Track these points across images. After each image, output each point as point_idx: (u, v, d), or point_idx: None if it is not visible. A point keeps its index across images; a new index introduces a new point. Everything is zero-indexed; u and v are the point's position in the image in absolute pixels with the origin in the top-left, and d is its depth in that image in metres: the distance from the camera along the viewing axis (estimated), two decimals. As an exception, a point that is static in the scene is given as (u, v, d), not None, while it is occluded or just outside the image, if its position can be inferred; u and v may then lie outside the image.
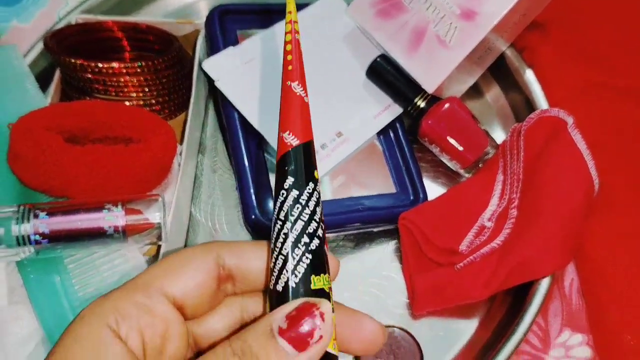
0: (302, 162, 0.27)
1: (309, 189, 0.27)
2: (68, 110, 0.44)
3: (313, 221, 0.26)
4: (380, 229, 0.51)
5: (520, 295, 0.46)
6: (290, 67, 0.30)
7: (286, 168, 0.27)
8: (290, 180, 0.27)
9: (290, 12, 0.31)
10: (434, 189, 0.53)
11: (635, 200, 0.47)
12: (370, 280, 0.49)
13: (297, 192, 0.27)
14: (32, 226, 0.40)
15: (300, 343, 0.22)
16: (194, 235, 0.51)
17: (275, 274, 0.26)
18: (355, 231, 0.50)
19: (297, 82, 0.29)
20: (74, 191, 0.42)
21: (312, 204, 0.27)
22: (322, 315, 0.23)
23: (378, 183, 0.51)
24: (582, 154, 0.45)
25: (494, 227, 0.47)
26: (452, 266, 0.46)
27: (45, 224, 0.40)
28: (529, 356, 0.46)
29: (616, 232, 0.46)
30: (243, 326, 0.26)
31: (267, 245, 0.28)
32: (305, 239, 0.26)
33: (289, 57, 0.30)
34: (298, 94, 0.28)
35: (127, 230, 0.41)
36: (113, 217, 0.41)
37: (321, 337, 0.23)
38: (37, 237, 0.40)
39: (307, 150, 0.28)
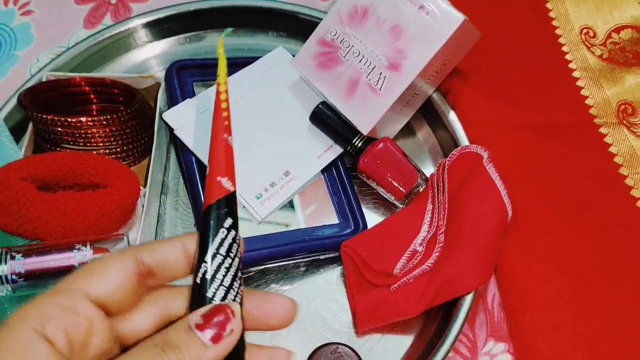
0: (235, 207, 0.32)
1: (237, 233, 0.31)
2: (41, 161, 0.49)
3: (239, 259, 0.31)
4: (326, 256, 0.57)
5: (448, 310, 0.52)
6: (226, 123, 0.34)
7: (226, 210, 0.31)
8: (229, 221, 0.31)
9: (219, 76, 0.34)
10: (373, 218, 0.59)
11: (544, 223, 0.54)
12: (319, 302, 0.55)
13: (234, 233, 0.31)
14: (9, 267, 0.46)
15: (215, 336, 0.27)
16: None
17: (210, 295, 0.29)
18: (304, 259, 0.56)
19: (231, 137, 0.34)
20: (47, 234, 0.48)
21: (235, 247, 0.31)
22: (232, 313, 0.28)
23: (323, 215, 0.57)
24: (496, 184, 0.52)
25: (424, 252, 0.53)
26: (388, 287, 0.52)
27: (21, 264, 0.45)
28: (459, 365, 0.52)
29: (529, 251, 0.53)
30: (167, 326, 0.29)
31: (179, 239, 0.31)
32: (239, 273, 0.31)
33: (225, 114, 0.34)
34: (231, 146, 0.34)
35: None
36: (82, 256, 0.46)
37: (232, 330, 0.28)
38: (14, 277, 0.45)
39: (236, 198, 0.32)
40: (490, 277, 0.52)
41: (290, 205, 0.57)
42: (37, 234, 0.48)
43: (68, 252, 0.47)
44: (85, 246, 0.47)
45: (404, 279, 0.52)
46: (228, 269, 0.30)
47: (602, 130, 0.59)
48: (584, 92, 0.62)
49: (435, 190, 0.55)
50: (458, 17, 0.52)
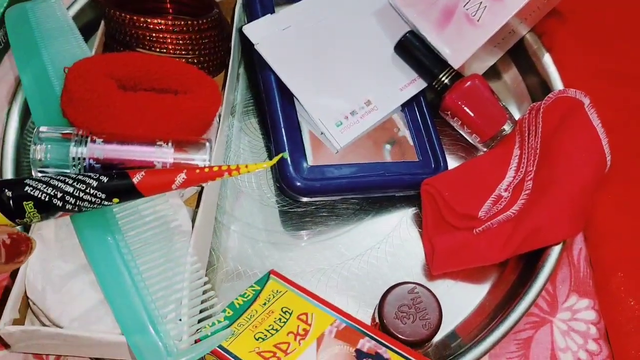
0: None
1: None
2: (120, 60, 0.46)
3: None
4: (402, 194, 0.54)
5: (531, 262, 0.49)
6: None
7: None
8: None
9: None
10: (453, 161, 0.56)
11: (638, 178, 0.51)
12: (391, 242, 0.52)
13: None
14: (89, 150, 0.43)
15: None
16: (224, 189, 0.53)
17: None
18: (380, 194, 0.53)
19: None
20: (126, 133, 0.45)
21: None
22: None
23: (402, 151, 0.54)
24: (598, 132, 0.49)
25: (510, 197, 0.50)
26: (471, 231, 0.49)
27: (101, 149, 0.42)
28: (537, 318, 0.49)
29: (622, 205, 0.50)
30: None
31: None
32: None
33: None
34: None
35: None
36: (163, 154, 0.44)
37: None
38: (92, 162, 0.43)
39: None
40: (582, 228, 0.49)
41: (369, 136, 0.54)
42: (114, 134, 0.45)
43: (149, 146, 0.44)
44: (167, 144, 0.44)
45: (488, 223, 0.49)
46: None
47: None
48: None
49: (526, 135, 0.52)
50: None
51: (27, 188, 0.39)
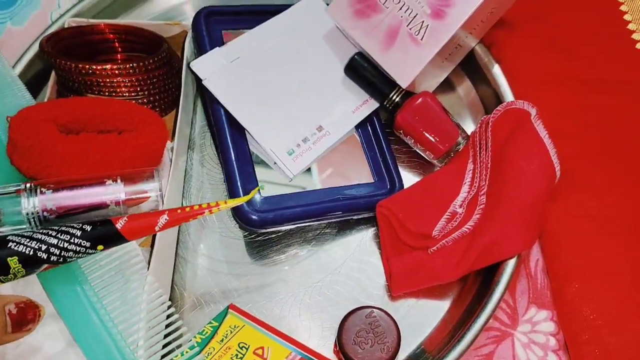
0: None
1: None
2: (65, 105, 0.47)
3: None
4: (360, 216, 0.54)
5: (489, 276, 0.50)
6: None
7: None
8: None
9: None
10: (410, 178, 0.56)
11: (594, 184, 0.51)
12: (351, 265, 0.53)
13: None
14: (40, 202, 0.43)
15: None
16: (185, 226, 0.54)
17: None
18: (337, 219, 0.53)
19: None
20: (71, 178, 0.45)
21: None
22: None
23: (357, 173, 0.54)
24: (544, 142, 0.49)
25: (464, 213, 0.51)
26: (426, 250, 0.50)
27: (51, 199, 0.42)
28: (499, 332, 0.49)
29: (578, 213, 0.50)
30: None
31: None
32: None
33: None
34: None
35: (127, 202, 0.45)
36: (113, 191, 0.44)
37: None
38: (45, 214, 0.43)
39: None
40: (535, 241, 0.49)
41: (323, 162, 0.54)
42: (60, 178, 0.46)
43: (99, 186, 0.44)
44: (116, 181, 0.45)
45: (443, 241, 0.49)
46: None
47: (659, 87, 0.55)
48: (639, 46, 0.57)
49: (477, 149, 0.52)
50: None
51: (10, 244, 0.40)
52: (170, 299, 0.51)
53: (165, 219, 0.41)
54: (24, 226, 0.44)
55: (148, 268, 0.46)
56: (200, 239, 0.54)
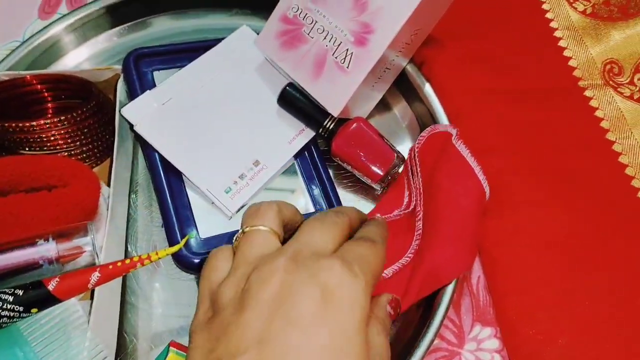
0: None
1: None
2: (-9, 167, 0.47)
3: None
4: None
5: (431, 296, 0.50)
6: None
7: None
8: None
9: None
10: (352, 203, 0.56)
11: (528, 197, 0.51)
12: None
13: None
14: None
15: None
16: (132, 272, 0.54)
17: None
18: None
19: None
20: (2, 240, 0.45)
21: None
22: None
23: (296, 204, 0.54)
24: (468, 161, 0.49)
25: (405, 242, 0.51)
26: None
27: None
28: (447, 352, 0.50)
29: (512, 228, 0.50)
30: None
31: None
32: None
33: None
34: None
35: (61, 259, 0.45)
36: (45, 251, 0.45)
37: None
38: None
39: None
40: (473, 262, 0.50)
41: (262, 196, 0.54)
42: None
43: (30, 247, 0.45)
44: (47, 240, 0.45)
45: (384, 273, 0.49)
46: None
47: (587, 93, 0.56)
48: (566, 53, 0.58)
49: (410, 175, 0.53)
50: (425, -16, 0.49)
51: None
52: (121, 347, 0.51)
53: (97, 276, 0.41)
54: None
55: (88, 322, 0.46)
56: (148, 283, 0.54)
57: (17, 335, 0.44)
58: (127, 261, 0.42)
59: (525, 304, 0.47)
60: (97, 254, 0.46)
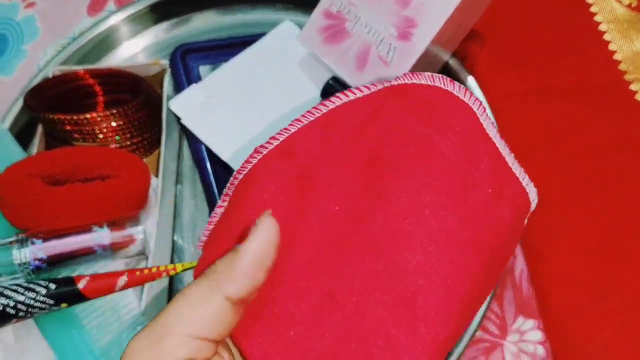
0: None
1: None
2: (48, 158, 0.49)
3: None
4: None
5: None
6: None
7: None
8: None
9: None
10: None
11: (571, 196, 0.51)
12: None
13: None
14: (31, 252, 0.46)
15: None
16: (178, 260, 0.56)
17: None
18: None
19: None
20: (60, 227, 0.48)
21: None
22: None
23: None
24: (506, 160, 0.38)
25: None
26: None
27: (42, 249, 0.45)
28: (489, 343, 0.50)
29: (557, 226, 0.50)
30: None
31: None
32: None
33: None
34: None
35: (114, 246, 0.47)
36: (100, 237, 0.47)
37: None
38: (37, 263, 0.46)
39: None
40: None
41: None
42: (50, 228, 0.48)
43: (86, 233, 0.47)
44: (102, 227, 0.47)
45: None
46: None
47: (633, 87, 0.55)
48: (611, 47, 0.57)
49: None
50: (469, -22, 0.49)
51: None
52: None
53: (125, 280, 0.42)
54: (18, 275, 0.47)
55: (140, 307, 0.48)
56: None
57: (74, 319, 0.46)
58: (154, 269, 0.42)
59: (570, 298, 0.47)
60: (147, 242, 0.48)
